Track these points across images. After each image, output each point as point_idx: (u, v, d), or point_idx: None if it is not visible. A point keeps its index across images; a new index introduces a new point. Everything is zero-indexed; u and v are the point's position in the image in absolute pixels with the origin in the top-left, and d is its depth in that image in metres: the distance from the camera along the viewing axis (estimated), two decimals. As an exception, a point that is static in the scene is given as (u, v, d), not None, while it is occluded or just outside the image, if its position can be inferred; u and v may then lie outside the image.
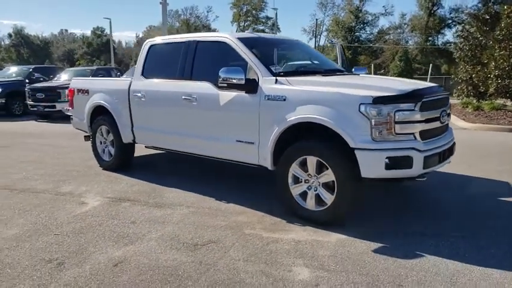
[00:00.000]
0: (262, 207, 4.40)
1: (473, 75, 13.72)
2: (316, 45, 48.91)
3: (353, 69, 5.68)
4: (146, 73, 5.44)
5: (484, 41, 15.71)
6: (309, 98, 3.88)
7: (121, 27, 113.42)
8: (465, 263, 3.14)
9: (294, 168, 4.04)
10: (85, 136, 6.76)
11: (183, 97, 4.84)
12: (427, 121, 3.78)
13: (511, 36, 12.37)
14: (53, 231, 3.81)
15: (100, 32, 68.80)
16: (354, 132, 3.60)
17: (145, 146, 5.88)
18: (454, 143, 4.34)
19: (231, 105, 4.41)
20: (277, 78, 4.17)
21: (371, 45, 45.04)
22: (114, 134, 5.93)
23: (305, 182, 4.03)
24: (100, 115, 6.14)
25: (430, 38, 41.35)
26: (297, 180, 4.08)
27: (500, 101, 14.13)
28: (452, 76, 17.51)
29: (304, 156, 3.94)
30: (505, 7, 13.20)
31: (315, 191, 3.97)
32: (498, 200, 4.73)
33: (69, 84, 6.98)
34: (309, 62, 5.29)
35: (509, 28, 12.39)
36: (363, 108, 3.56)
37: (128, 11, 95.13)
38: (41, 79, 16.35)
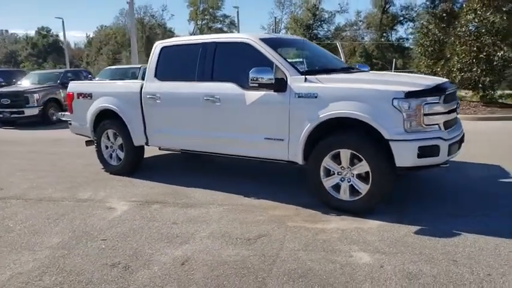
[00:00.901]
0: (291, 201, 4.57)
1: (438, 69, 14.54)
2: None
3: (356, 66, 5.96)
4: (160, 75, 5.45)
5: (442, 37, 16.63)
6: (342, 94, 4.09)
7: (67, 26, 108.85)
8: (499, 236, 3.47)
9: (327, 162, 4.25)
10: (87, 141, 6.63)
11: (205, 98, 4.91)
12: (448, 112, 4.11)
13: (470, 33, 13.22)
14: (97, 237, 3.79)
15: (46, 32, 65.85)
16: (388, 125, 3.85)
17: (160, 148, 5.88)
18: (464, 133, 4.72)
19: (259, 104, 4.55)
20: (306, 76, 4.34)
21: (329, 42, 46.14)
22: (123, 137, 5.88)
23: (338, 174, 4.24)
24: (106, 119, 6.06)
25: (384, 34, 43.08)
26: (328, 173, 4.29)
27: (461, 93, 15.08)
28: (415, 70, 18.41)
29: (338, 150, 4.16)
30: (464, 5, 14.08)
31: (348, 182, 4.19)
32: (493, 180, 5.18)
33: (37, 89, 6.79)
34: (324, 61, 5.51)
35: (468, 25, 13.24)
36: (396, 102, 3.82)
37: (74, 10, 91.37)
38: (2, 83, 15.62)
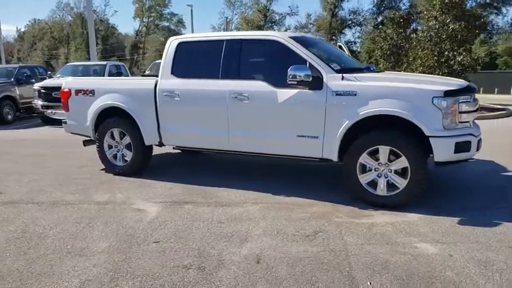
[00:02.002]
0: (322, 198, 4.65)
1: (401, 72, 15.31)
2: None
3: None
4: (177, 72, 5.29)
5: (399, 41, 17.56)
6: (382, 92, 4.22)
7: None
8: (536, 226, 3.77)
9: (364, 158, 4.37)
10: (86, 141, 6.29)
11: (232, 96, 4.84)
12: (475, 111, 4.39)
13: (430, 38, 14.07)
14: (146, 240, 3.62)
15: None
16: (428, 122, 4.04)
17: (174, 147, 5.71)
18: None
19: (292, 102, 4.57)
20: (343, 75, 4.43)
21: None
22: (132, 136, 5.64)
23: (374, 171, 4.37)
24: (111, 117, 5.78)
25: (334, 37, 44.51)
26: (364, 169, 4.41)
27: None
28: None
29: (377, 146, 4.29)
30: (425, 12, 14.96)
31: (385, 178, 4.34)
32: (496, 174, 5.61)
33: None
34: (344, 60, 5.62)
35: (429, 31, 14.09)
36: (435, 101, 4.02)
37: (2, 1, 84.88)
38: None
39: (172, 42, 5.40)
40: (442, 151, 4.08)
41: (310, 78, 4.37)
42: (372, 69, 5.66)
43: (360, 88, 4.29)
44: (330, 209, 4.35)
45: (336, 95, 4.36)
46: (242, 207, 4.41)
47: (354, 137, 4.44)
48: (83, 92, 5.92)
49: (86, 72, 13.98)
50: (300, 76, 4.35)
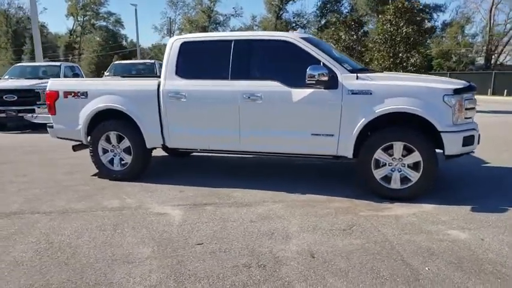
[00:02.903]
0: (337, 194, 4.83)
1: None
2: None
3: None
4: (182, 72, 5.21)
5: (351, 44, 18.42)
6: (396, 91, 4.47)
7: None
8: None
9: (379, 154, 4.60)
10: (75, 146, 5.99)
11: (245, 96, 4.87)
12: (475, 108, 4.79)
13: (385, 40, 14.92)
14: (188, 243, 3.56)
15: None
16: (439, 119, 4.35)
17: (178, 150, 5.61)
18: None
19: (307, 101, 4.69)
20: (357, 74, 4.63)
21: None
22: (132, 139, 5.47)
23: (388, 165, 4.62)
24: (106, 120, 5.56)
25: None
26: (378, 164, 4.65)
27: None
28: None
29: (391, 142, 4.53)
30: (380, 16, 15.81)
31: (399, 171, 4.60)
32: (478, 166, 6.13)
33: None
34: (347, 61, 5.81)
35: (385, 34, 14.92)
36: (446, 98, 4.34)
37: None
38: None
39: (174, 43, 5.30)
40: (452, 145, 4.40)
41: (327, 78, 4.50)
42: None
43: (375, 87, 4.51)
44: (348, 204, 4.52)
45: (352, 93, 4.54)
46: (265, 206, 4.46)
47: (365, 134, 4.63)
48: (73, 94, 5.63)
49: (35, 73, 13.18)
50: (317, 76, 4.47)
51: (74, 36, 65.33)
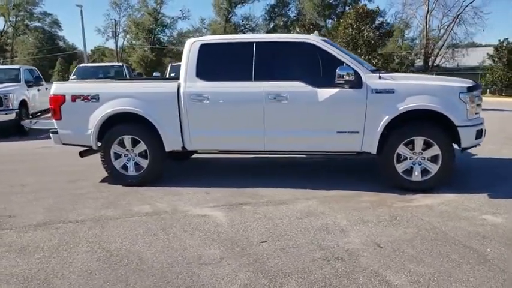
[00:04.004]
0: (361, 188, 5.05)
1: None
2: (117, 46, 47.06)
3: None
4: (203, 74, 5.19)
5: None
6: (416, 89, 4.80)
7: None
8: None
9: (401, 149, 4.90)
10: (83, 152, 5.76)
11: (270, 97, 4.98)
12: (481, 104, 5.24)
13: (348, 44, 15.60)
14: (251, 242, 3.60)
15: None
16: (456, 114, 4.73)
17: (198, 152, 5.57)
18: None
19: (334, 100, 4.88)
20: (380, 74, 4.90)
21: (174, 47, 46.37)
22: (149, 143, 5.36)
23: (409, 159, 4.93)
24: (120, 124, 5.41)
25: (229, 42, 45.50)
26: (399, 159, 4.95)
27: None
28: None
29: (412, 137, 4.85)
30: (341, 20, 16.49)
31: (419, 165, 4.93)
32: (468, 158, 6.67)
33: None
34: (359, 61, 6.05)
35: (347, 37, 15.60)
36: (462, 95, 4.74)
37: None
38: None
39: (193, 44, 5.28)
40: (467, 138, 4.80)
41: (354, 78, 4.73)
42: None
43: (397, 86, 4.80)
44: (377, 197, 4.76)
45: (376, 92, 4.80)
46: (301, 203, 4.58)
47: (387, 130, 4.90)
48: (82, 97, 5.41)
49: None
50: (346, 76, 4.68)
51: (5, 37, 61.08)
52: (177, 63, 15.78)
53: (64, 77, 48.77)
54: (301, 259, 3.22)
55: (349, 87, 4.82)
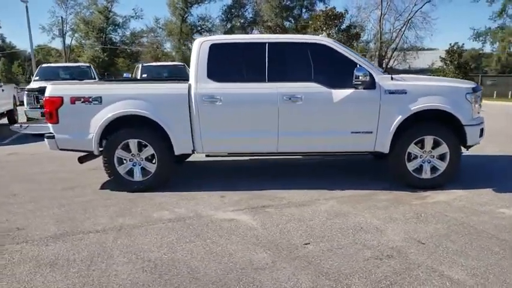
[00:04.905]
0: (372, 187, 5.17)
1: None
2: (64, 45, 44.93)
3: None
4: (214, 75, 5.08)
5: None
6: (427, 90, 4.98)
7: None
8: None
9: (412, 148, 5.07)
10: (82, 157, 5.47)
11: (285, 98, 4.97)
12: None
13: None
14: (295, 244, 3.58)
15: None
16: (463, 114, 4.97)
17: (207, 155, 5.44)
18: None
19: (348, 101, 4.96)
20: (392, 75, 5.04)
21: (127, 47, 45.03)
22: (157, 146, 5.17)
23: (419, 158, 5.11)
24: (124, 127, 5.19)
25: (186, 42, 44.83)
26: (410, 157, 5.12)
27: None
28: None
29: (423, 137, 5.03)
30: (310, 22, 16.77)
31: (428, 163, 5.12)
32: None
33: None
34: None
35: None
36: (468, 96, 4.98)
37: None
38: None
39: (203, 44, 5.15)
40: (473, 137, 5.04)
41: (368, 79, 4.83)
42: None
43: (409, 87, 4.95)
44: (392, 195, 4.89)
45: (389, 93, 4.93)
46: (323, 204, 4.61)
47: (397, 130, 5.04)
48: (83, 99, 5.12)
49: None
50: (362, 77, 4.77)
51: None
52: (148, 64, 15.41)
53: (8, 78, 45.88)
54: (354, 259, 3.23)
55: (363, 88, 4.90)
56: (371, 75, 4.88)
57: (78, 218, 4.35)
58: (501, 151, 7.42)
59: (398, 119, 4.91)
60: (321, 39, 5.15)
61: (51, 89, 5.18)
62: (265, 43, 5.10)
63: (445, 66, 25.55)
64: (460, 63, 23.99)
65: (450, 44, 25.55)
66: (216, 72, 5.08)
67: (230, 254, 3.38)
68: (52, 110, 5.14)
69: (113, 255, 3.42)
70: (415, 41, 36.57)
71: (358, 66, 4.91)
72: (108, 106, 5.07)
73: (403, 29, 35.28)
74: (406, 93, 4.92)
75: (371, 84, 4.90)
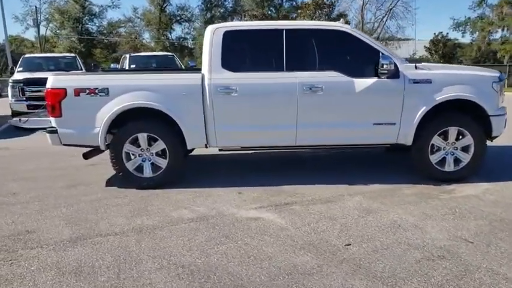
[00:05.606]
0: (396, 181, 4.98)
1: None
2: (39, 35, 43.37)
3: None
4: (229, 65, 4.77)
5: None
6: (452, 79, 4.80)
7: None
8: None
9: (436, 140, 4.90)
10: (87, 153, 5.11)
11: (304, 88, 4.72)
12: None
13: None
14: (335, 245, 3.37)
15: None
16: (489, 104, 4.82)
17: (220, 149, 5.14)
18: None
19: (371, 90, 4.74)
20: (416, 64, 4.84)
21: (104, 38, 43.82)
22: (168, 141, 4.86)
23: (443, 150, 4.95)
24: (133, 120, 4.85)
25: (165, 33, 43.84)
26: (433, 149, 4.95)
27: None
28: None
29: (447, 128, 4.86)
30: (299, 11, 16.49)
31: (452, 155, 4.96)
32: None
33: None
34: None
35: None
36: (494, 85, 4.83)
37: None
38: None
39: (216, 31, 4.83)
40: (498, 127, 4.90)
41: (393, 67, 4.62)
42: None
43: (434, 76, 4.77)
44: (417, 189, 4.72)
45: (414, 82, 4.73)
46: (349, 201, 4.40)
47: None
48: (88, 91, 4.74)
49: None
50: (386, 65, 4.55)
51: None
52: (136, 54, 14.87)
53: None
54: (404, 261, 3.03)
55: (387, 78, 4.69)
56: (395, 64, 4.65)
57: (91, 219, 4.01)
58: (509, 141, 7.35)
59: (423, 109, 4.73)
60: (342, 25, 4.90)
61: (54, 80, 4.78)
62: (282, 30, 4.82)
63: (429, 56, 25.72)
64: (445, 53, 24.18)
65: (434, 34, 25.78)
66: (230, 61, 4.78)
67: (269, 257, 3.13)
68: (54, 102, 4.75)
69: (141, 260, 3.12)
70: (396, 30, 36.78)
71: (381, 54, 4.67)
72: (116, 98, 4.72)
73: (384, 19, 35.41)
74: (431, 82, 4.73)
75: (395, 73, 4.69)
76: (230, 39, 4.81)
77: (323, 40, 4.89)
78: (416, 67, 4.80)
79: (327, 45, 4.91)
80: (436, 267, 2.92)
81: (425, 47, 26.71)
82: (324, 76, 4.72)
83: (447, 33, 26.05)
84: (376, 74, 4.67)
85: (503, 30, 35.76)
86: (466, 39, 39.82)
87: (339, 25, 4.93)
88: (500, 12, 34.43)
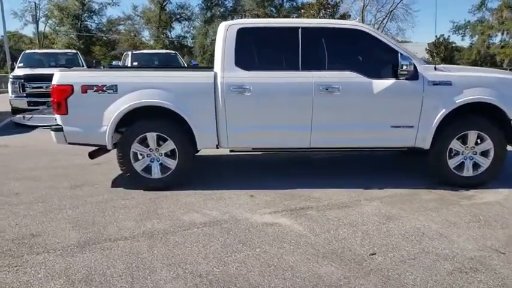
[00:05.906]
0: (412, 185, 4.83)
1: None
2: (38, 32, 43.04)
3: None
4: (243, 63, 4.59)
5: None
6: (472, 82, 4.64)
7: None
8: None
9: (454, 143, 4.74)
10: (93, 152, 4.92)
11: (321, 88, 4.55)
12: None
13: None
14: (360, 254, 3.20)
15: None
16: (511, 107, 4.66)
17: (231, 151, 4.96)
18: None
19: (389, 92, 4.57)
20: (435, 66, 4.68)
21: (103, 35, 43.56)
22: (178, 141, 4.68)
23: (461, 154, 4.79)
24: (141, 119, 4.67)
25: (165, 31, 43.60)
26: (451, 153, 4.79)
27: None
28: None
29: (466, 132, 4.70)
30: (303, 11, 16.34)
31: (470, 159, 4.81)
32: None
33: None
34: None
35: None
36: (515, 88, 4.67)
37: None
38: None
39: (229, 29, 4.65)
40: (519, 132, 4.74)
41: (412, 68, 4.46)
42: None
43: (454, 78, 4.61)
44: (436, 195, 4.56)
45: (433, 84, 4.57)
46: (367, 206, 4.24)
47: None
48: (96, 88, 4.56)
49: None
50: (407, 66, 4.39)
51: None
52: (138, 51, 14.67)
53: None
54: (435, 273, 2.87)
55: (406, 79, 4.53)
56: (414, 65, 4.49)
57: (98, 222, 3.83)
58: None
59: (442, 112, 4.57)
60: (359, 24, 4.75)
61: (60, 76, 4.60)
62: (298, 28, 4.65)
63: (431, 59, 25.64)
64: (446, 56, 24.11)
65: (436, 37, 25.72)
66: (244, 59, 4.61)
67: (291, 266, 2.96)
68: (60, 99, 4.56)
69: (155, 268, 2.94)
70: (396, 33, 36.73)
71: (400, 54, 4.50)
72: (125, 96, 4.54)
73: (384, 21, 35.33)
74: (451, 84, 4.57)
75: (414, 75, 4.53)
76: (244, 36, 4.64)
77: (340, 39, 4.72)
78: (435, 68, 4.63)
79: (344, 45, 4.75)
80: (470, 280, 2.76)
81: (426, 49, 26.64)
82: (340, 76, 4.55)
83: (448, 36, 26.03)
84: (395, 75, 4.50)
85: (502, 34, 35.81)
86: (466, 42, 39.90)
87: (356, 24, 4.77)
88: (500, 16, 34.45)
